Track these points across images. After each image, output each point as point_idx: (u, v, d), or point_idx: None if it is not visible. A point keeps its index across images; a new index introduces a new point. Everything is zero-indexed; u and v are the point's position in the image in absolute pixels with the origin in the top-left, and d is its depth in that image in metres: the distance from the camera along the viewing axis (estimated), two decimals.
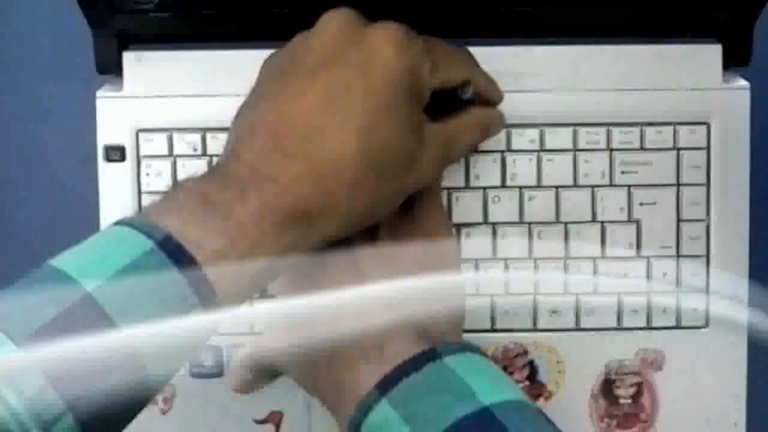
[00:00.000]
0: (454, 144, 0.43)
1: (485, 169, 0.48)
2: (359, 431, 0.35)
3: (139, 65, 0.48)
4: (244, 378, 0.44)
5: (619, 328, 0.49)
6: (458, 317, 0.42)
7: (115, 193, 0.48)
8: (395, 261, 0.40)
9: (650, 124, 0.48)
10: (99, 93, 0.48)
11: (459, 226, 0.48)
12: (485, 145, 0.48)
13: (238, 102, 0.47)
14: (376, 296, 0.39)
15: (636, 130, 0.48)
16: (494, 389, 0.35)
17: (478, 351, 0.38)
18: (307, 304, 0.39)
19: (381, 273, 0.39)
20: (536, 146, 0.48)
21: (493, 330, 0.48)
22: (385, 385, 0.35)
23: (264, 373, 0.44)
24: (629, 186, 0.48)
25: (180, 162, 0.48)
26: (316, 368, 0.39)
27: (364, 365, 0.37)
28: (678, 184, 0.49)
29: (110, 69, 0.48)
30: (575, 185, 0.48)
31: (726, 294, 0.49)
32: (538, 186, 0.48)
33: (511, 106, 0.48)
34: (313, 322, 0.39)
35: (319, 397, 0.40)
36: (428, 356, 0.36)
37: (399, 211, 0.42)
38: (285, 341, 0.41)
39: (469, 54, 0.45)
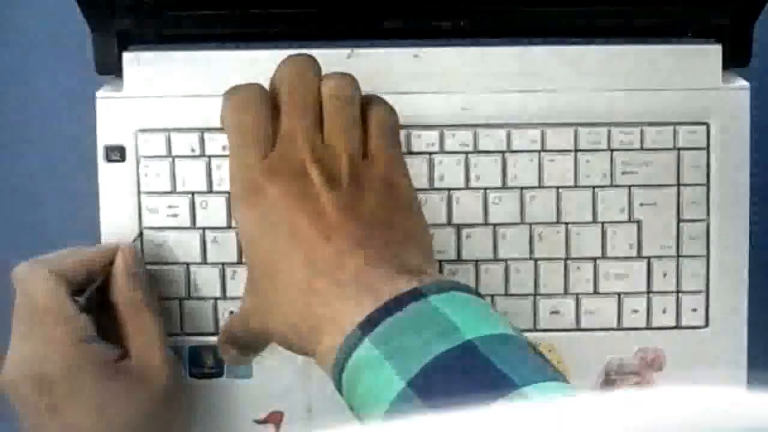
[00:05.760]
0: None
1: (486, 170, 0.48)
2: (343, 371, 0.35)
3: (139, 65, 0.48)
4: (231, 354, 0.45)
5: (619, 328, 0.49)
6: (428, 247, 0.41)
7: (115, 194, 0.48)
8: (358, 205, 0.39)
9: (650, 124, 0.48)
10: (99, 93, 0.48)
11: (459, 227, 0.48)
12: (486, 146, 0.48)
13: None
14: (347, 236, 0.38)
15: (636, 130, 0.48)
16: (478, 324, 0.35)
17: (466, 289, 0.37)
18: (279, 252, 0.39)
19: (346, 217, 0.38)
20: (537, 146, 0.48)
21: None
22: (368, 325, 0.35)
23: (245, 345, 0.44)
24: (630, 186, 0.48)
25: (179, 162, 0.48)
26: (291, 312, 0.38)
27: (344, 302, 0.36)
28: (678, 184, 0.49)
29: (110, 69, 0.48)
30: (576, 186, 0.48)
31: (726, 294, 0.49)
32: (539, 186, 0.48)
33: (511, 106, 0.48)
34: (286, 270, 0.38)
35: (296, 341, 0.39)
36: (412, 296, 0.35)
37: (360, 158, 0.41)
38: (254, 298, 0.41)
39: None
